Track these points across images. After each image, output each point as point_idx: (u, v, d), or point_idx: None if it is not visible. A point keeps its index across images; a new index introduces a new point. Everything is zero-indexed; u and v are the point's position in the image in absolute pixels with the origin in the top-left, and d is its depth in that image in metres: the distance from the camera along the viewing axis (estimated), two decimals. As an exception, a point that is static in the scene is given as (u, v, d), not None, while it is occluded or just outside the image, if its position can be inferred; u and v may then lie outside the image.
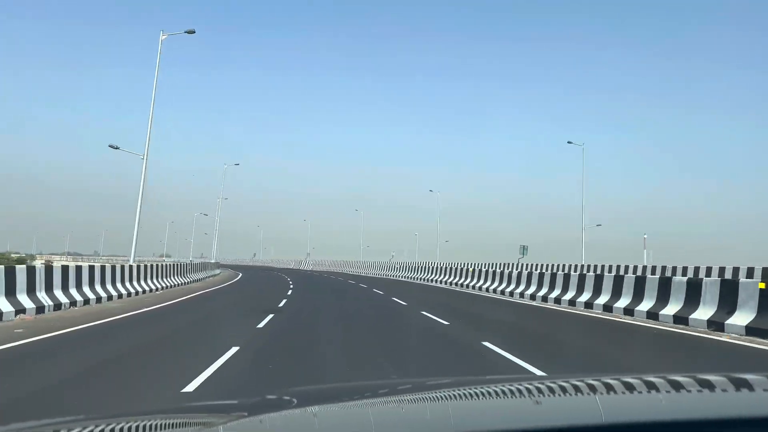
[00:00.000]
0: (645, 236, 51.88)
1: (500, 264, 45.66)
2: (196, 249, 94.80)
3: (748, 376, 1.92)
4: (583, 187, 41.99)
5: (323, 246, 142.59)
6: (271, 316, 13.61)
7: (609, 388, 1.90)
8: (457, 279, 32.90)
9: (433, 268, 38.95)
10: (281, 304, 17.39)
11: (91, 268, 17.58)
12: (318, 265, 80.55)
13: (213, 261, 49.88)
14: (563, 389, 1.92)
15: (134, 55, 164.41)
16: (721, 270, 32.38)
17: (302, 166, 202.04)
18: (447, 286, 32.66)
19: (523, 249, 40.39)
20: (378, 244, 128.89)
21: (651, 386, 1.90)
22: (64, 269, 15.92)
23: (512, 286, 24.63)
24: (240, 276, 45.06)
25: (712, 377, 2.01)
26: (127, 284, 20.25)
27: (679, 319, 13.25)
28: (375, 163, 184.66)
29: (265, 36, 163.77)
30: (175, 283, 27.13)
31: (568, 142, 41.87)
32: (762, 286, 11.72)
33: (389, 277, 48.67)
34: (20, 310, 13.21)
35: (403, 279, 43.94)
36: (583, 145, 42.45)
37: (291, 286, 28.85)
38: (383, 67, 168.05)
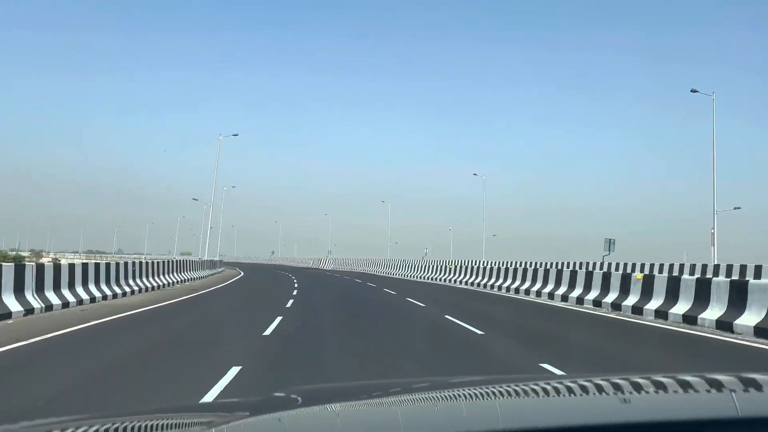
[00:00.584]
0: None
1: (580, 264, 35.37)
2: (213, 245, 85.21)
3: (757, 376, 1.90)
4: (714, 150, 31.74)
5: (347, 244, 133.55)
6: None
7: (622, 387, 1.85)
8: (527, 285, 22.99)
9: (485, 269, 29.00)
10: (216, 388, 6.18)
11: None
12: (340, 264, 70.89)
13: (207, 259, 40.49)
14: (579, 389, 1.87)
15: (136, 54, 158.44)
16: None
17: (320, 165, 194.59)
18: (522, 296, 22.81)
19: (610, 244, 30.01)
20: (407, 241, 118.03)
21: (662, 386, 1.86)
22: None
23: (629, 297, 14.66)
24: (237, 278, 35.80)
25: (721, 377, 1.96)
26: None
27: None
28: (405, 162, 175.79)
29: (277, 33, 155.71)
30: (115, 292, 17.75)
31: (692, 91, 31.82)
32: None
33: (431, 280, 38.83)
34: None
35: (457, 286, 34.13)
36: (713, 95, 32.31)
37: (291, 299, 19.26)
38: (393, 66, 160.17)
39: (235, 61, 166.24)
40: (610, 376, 1.96)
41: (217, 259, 55.72)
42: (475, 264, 36.54)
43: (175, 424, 1.71)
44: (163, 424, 1.71)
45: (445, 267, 32.84)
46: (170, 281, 25.32)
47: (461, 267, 33.36)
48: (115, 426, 1.65)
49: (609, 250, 29.95)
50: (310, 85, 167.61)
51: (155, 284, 22.71)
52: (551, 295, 20.20)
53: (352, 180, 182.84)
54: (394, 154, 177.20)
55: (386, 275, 47.05)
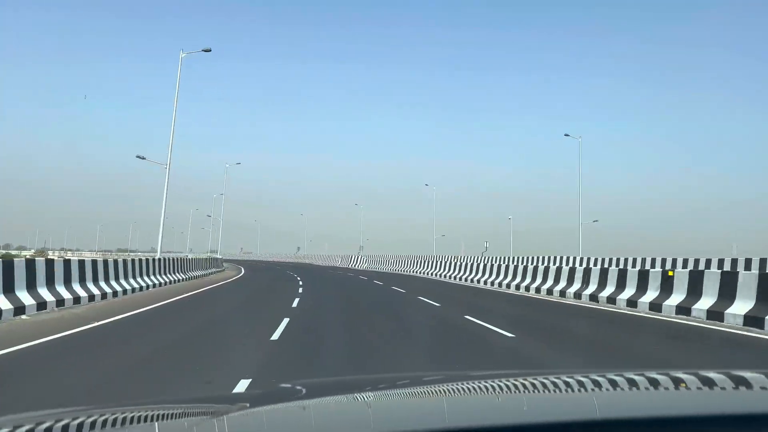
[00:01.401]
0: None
1: None
2: (231, 242, 73.93)
3: (749, 374, 1.84)
4: None
5: (385, 240, 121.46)
6: None
7: (609, 383, 1.84)
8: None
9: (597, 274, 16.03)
10: None
11: None
12: (376, 263, 58.51)
13: (160, 257, 28.03)
14: (564, 385, 1.84)
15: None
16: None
17: (352, 159, 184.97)
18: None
19: None
20: (453, 235, 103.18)
21: (653, 382, 1.84)
22: None
23: None
24: (218, 285, 23.98)
25: (713, 374, 1.93)
26: None
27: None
28: (448, 156, 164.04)
29: (291, 29, 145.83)
30: None
31: None
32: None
33: (514, 290, 26.36)
34: None
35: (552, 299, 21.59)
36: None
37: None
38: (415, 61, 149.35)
39: (259, 57, 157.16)
40: (595, 371, 1.94)
41: (212, 256, 44.52)
42: (584, 264, 23.67)
43: (173, 414, 1.66)
44: (160, 414, 1.64)
45: (649, 273, 15.82)
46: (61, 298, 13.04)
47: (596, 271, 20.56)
48: (114, 417, 1.59)
49: None
50: (335, 77, 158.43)
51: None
52: None
53: (389, 172, 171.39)
54: (430, 145, 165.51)
55: (437, 278, 34.87)
